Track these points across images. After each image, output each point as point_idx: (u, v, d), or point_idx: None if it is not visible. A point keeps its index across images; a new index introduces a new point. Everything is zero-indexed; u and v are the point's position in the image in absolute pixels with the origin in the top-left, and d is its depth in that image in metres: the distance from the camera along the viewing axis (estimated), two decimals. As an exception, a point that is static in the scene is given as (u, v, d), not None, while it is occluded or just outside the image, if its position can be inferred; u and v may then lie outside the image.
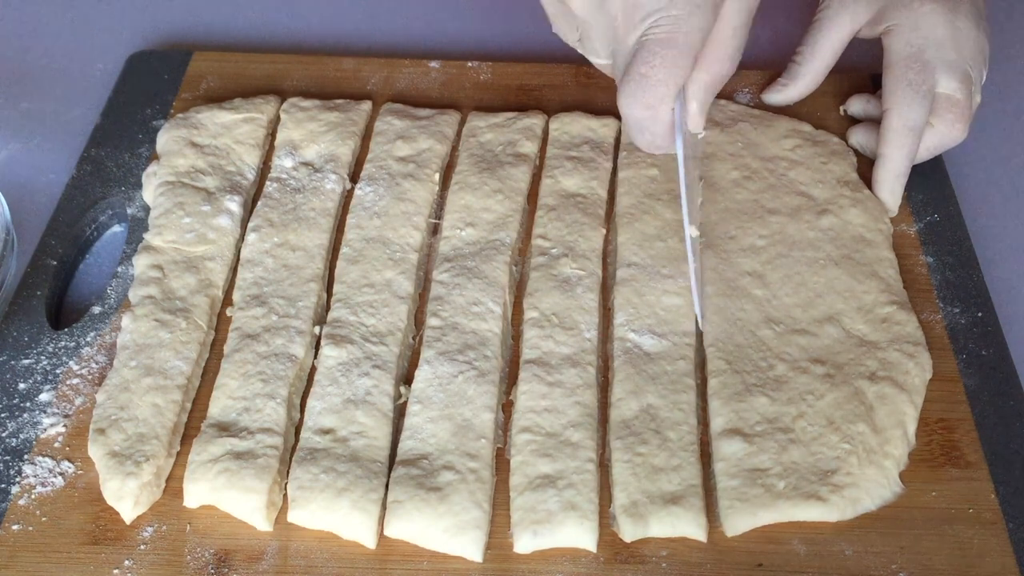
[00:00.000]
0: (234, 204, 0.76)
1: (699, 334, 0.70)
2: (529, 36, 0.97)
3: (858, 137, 0.82)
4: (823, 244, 0.74)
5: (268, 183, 0.78)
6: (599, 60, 0.67)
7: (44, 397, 0.66)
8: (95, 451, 0.63)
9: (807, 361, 0.68)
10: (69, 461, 0.63)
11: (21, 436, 0.65)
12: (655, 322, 0.70)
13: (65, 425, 0.65)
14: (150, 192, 0.77)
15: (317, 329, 0.70)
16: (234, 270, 0.74)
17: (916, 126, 0.75)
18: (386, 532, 0.60)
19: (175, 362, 0.67)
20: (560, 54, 0.94)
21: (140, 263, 0.72)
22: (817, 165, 0.80)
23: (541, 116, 0.84)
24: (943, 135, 0.77)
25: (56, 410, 0.66)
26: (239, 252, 0.74)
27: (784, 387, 0.66)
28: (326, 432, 0.64)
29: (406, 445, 0.63)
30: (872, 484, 0.62)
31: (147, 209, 0.77)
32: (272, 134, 0.83)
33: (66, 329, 0.70)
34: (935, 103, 0.76)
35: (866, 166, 0.81)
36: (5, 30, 0.97)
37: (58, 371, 0.68)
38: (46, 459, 0.63)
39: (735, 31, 0.62)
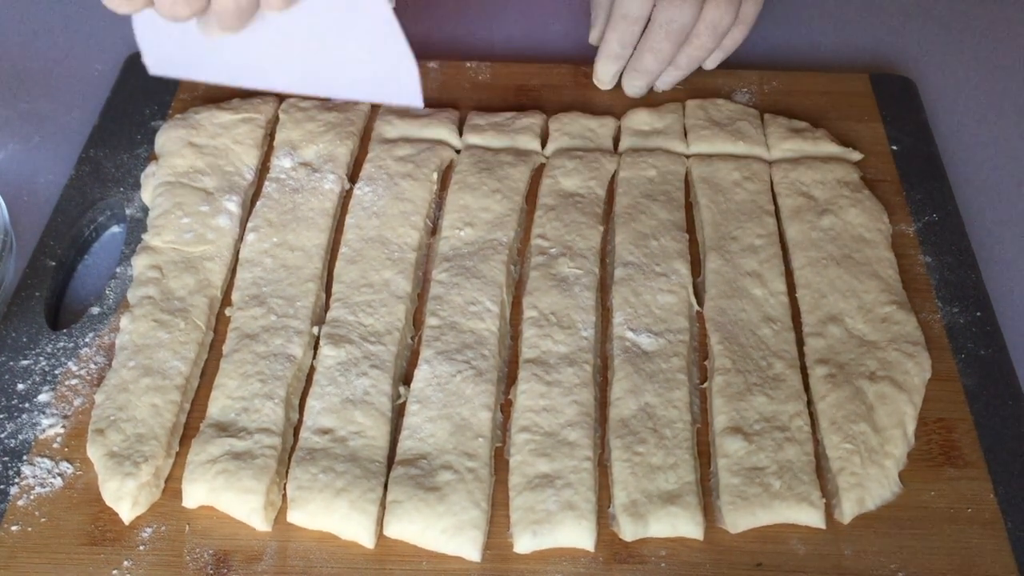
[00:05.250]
0: (233, 204, 0.76)
1: (693, 331, 0.70)
2: (528, 36, 0.97)
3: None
4: (823, 244, 0.74)
5: (267, 183, 0.78)
6: None
7: (43, 398, 0.66)
8: (94, 452, 0.63)
9: (810, 361, 0.68)
10: (68, 462, 0.63)
11: (20, 437, 0.65)
12: (652, 321, 0.70)
13: (64, 426, 0.65)
14: (149, 192, 0.77)
15: (316, 329, 0.70)
16: (233, 270, 0.74)
17: (630, 15, 0.82)
18: (385, 532, 0.60)
19: (174, 362, 0.66)
20: (559, 54, 0.94)
21: (139, 264, 0.72)
22: (817, 165, 0.80)
23: (540, 116, 0.84)
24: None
25: (55, 411, 0.66)
26: (238, 252, 0.74)
27: (782, 386, 0.66)
28: (325, 432, 0.64)
29: (405, 445, 0.63)
30: (873, 484, 0.62)
31: (146, 210, 0.77)
32: (271, 134, 0.83)
33: (65, 330, 0.70)
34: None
35: (867, 166, 0.81)
36: (4, 31, 0.97)
37: (57, 372, 0.68)
38: (45, 460, 0.63)
39: None
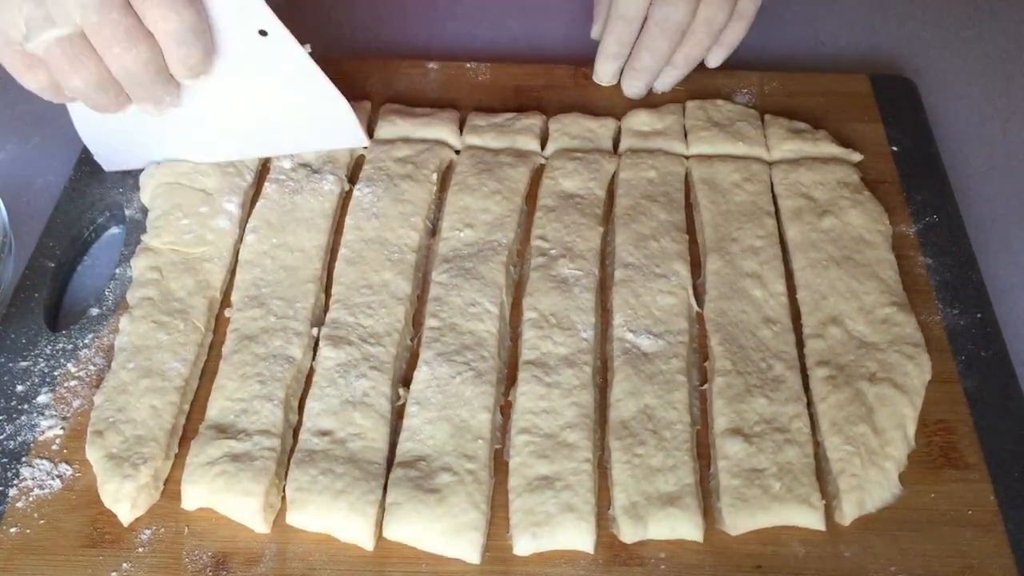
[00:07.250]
0: (232, 205, 0.76)
1: (693, 333, 0.70)
2: (528, 37, 0.97)
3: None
4: (824, 245, 0.74)
5: (267, 184, 0.78)
6: None
7: (42, 399, 0.66)
8: (93, 453, 0.62)
9: (810, 363, 0.68)
10: (67, 463, 0.63)
11: (19, 439, 0.64)
12: (652, 322, 0.70)
13: (63, 427, 0.65)
14: (148, 193, 0.77)
15: (315, 330, 0.70)
16: (232, 271, 0.74)
17: (627, 15, 0.83)
18: (384, 534, 0.60)
19: (173, 364, 0.66)
20: (559, 55, 0.94)
21: (138, 265, 0.72)
22: (818, 166, 0.80)
23: (540, 117, 0.84)
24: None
25: (54, 412, 0.66)
26: (237, 253, 0.74)
27: (782, 387, 0.66)
28: (324, 434, 0.64)
29: (404, 447, 0.63)
30: (873, 486, 0.62)
31: (145, 211, 0.77)
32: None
33: (64, 331, 0.70)
34: None
35: (867, 168, 0.81)
36: (3, 31, 0.97)
37: (56, 373, 0.68)
38: (44, 461, 0.63)
39: None
